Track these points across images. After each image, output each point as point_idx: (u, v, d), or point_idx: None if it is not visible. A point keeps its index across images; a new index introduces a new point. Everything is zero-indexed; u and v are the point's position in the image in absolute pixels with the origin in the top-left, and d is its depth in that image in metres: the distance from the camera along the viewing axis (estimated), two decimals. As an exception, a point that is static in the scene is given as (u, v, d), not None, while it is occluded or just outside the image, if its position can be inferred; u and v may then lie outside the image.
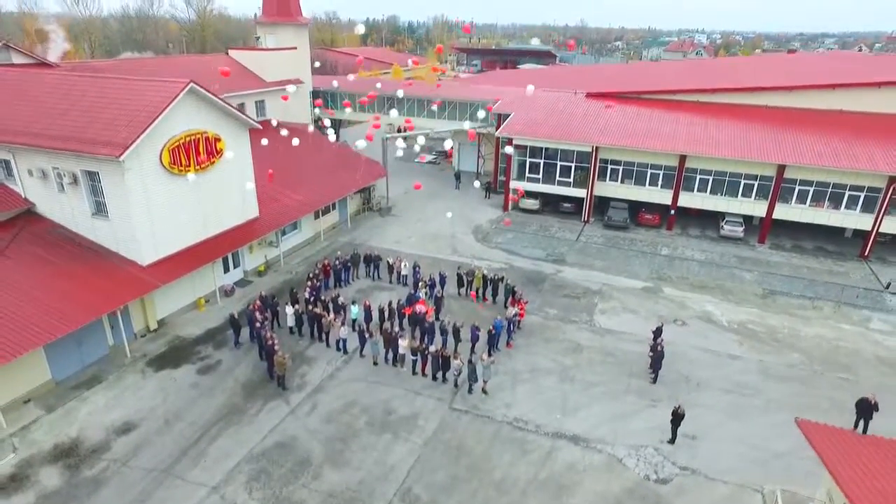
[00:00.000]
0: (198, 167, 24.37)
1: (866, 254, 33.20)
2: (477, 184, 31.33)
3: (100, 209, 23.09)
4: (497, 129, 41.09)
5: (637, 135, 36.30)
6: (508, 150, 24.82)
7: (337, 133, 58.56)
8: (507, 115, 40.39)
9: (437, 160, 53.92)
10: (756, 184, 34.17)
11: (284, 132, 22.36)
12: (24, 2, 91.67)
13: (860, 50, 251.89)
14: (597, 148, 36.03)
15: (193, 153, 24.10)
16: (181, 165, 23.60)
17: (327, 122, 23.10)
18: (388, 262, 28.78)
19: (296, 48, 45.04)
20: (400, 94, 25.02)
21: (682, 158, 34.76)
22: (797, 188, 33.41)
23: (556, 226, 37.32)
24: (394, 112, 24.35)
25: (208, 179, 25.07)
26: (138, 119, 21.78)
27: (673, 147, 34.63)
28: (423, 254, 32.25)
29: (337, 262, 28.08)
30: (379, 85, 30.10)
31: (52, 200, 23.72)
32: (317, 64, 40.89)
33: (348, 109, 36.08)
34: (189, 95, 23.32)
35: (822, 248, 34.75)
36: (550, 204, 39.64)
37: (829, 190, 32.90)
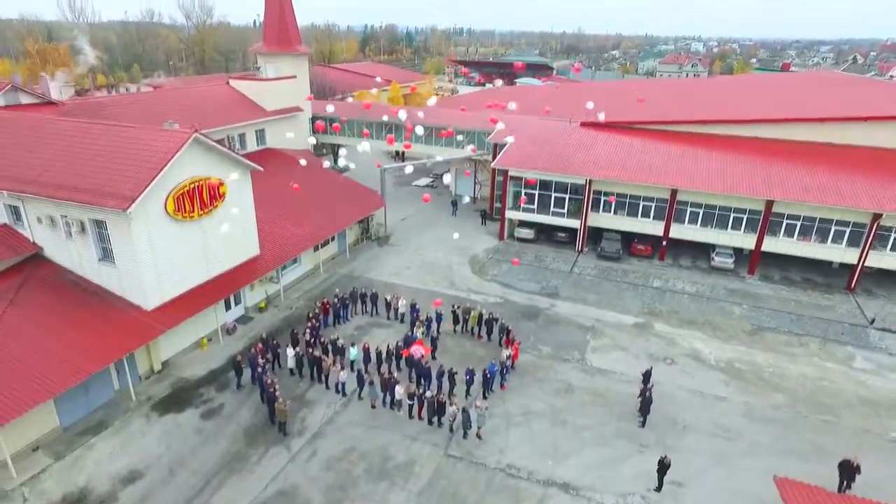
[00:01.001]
0: (202, 212, 25.14)
1: (853, 286, 34.03)
2: (466, 199, 33.10)
3: (106, 255, 23.83)
4: (493, 158, 42.04)
5: (629, 167, 37.15)
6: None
7: (335, 156, 59.48)
8: (504, 145, 41.22)
9: (433, 183, 54.69)
10: (745, 217, 35.01)
11: (303, 161, 24.02)
12: (24, 12, 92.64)
13: (855, 60, 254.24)
14: (590, 180, 36.87)
15: (198, 199, 24.86)
16: (185, 212, 24.36)
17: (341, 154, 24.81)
18: (385, 299, 29.50)
19: (295, 77, 45.93)
20: (403, 115, 26.20)
21: (674, 191, 35.61)
22: (785, 222, 34.26)
23: (550, 256, 38.11)
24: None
25: (211, 222, 25.79)
26: (145, 170, 22.54)
27: (664, 181, 35.47)
28: (421, 287, 33.00)
29: (336, 300, 28.82)
30: (386, 118, 31.12)
31: (59, 245, 24.45)
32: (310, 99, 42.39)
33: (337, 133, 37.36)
34: (193, 144, 24.07)
35: (809, 279, 35.58)
36: (545, 232, 40.44)
37: (816, 224, 33.74)
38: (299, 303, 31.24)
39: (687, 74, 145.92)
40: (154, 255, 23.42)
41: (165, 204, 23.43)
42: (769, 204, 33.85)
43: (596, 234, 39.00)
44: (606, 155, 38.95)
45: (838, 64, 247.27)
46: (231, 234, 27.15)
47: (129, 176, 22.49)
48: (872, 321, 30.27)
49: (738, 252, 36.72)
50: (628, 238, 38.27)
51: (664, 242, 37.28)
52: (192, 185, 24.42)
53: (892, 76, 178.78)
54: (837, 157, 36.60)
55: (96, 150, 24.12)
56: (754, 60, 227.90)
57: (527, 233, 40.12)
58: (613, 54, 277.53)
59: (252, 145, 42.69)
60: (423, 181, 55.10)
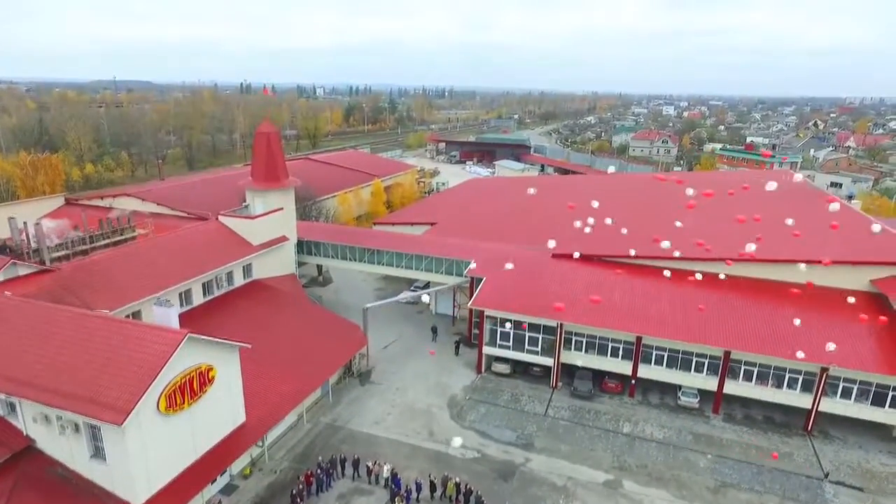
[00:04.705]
0: (191, 401, 26.46)
1: (809, 428, 36.11)
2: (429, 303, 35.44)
3: (98, 452, 24.87)
4: (470, 290, 44.34)
5: (597, 309, 39.44)
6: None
7: (320, 273, 61.49)
8: (480, 280, 43.55)
9: (415, 301, 56.46)
10: (707, 361, 37.31)
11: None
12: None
13: (816, 125, 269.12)
14: (562, 323, 39.10)
15: (188, 390, 26.22)
16: (176, 406, 25.67)
17: None
18: (367, 465, 30.68)
19: (283, 209, 48.25)
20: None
21: (639, 336, 37.91)
22: (743, 368, 36.59)
23: (526, 394, 39.78)
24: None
25: (200, 408, 27.06)
26: (139, 378, 23.88)
27: (629, 328, 37.84)
28: (402, 439, 34.26)
29: (318, 470, 29.91)
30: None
31: (52, 440, 25.43)
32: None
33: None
34: (186, 342, 25.60)
35: (770, 418, 37.62)
36: (521, 365, 42.24)
37: (772, 371, 36.10)
38: (283, 464, 32.22)
39: (658, 151, 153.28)
40: (145, 454, 24.51)
41: (158, 403, 24.74)
42: (727, 351, 36.23)
43: (571, 367, 40.88)
44: (577, 292, 41.34)
45: (799, 127, 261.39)
46: (220, 412, 28.53)
47: (124, 384, 23.81)
48: (827, 475, 32.14)
49: (703, 390, 38.79)
50: (600, 374, 40.22)
51: (633, 381, 39.28)
52: (182, 380, 25.82)
53: (848, 146, 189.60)
54: (800, 299, 39.15)
55: (93, 350, 25.44)
56: (722, 128, 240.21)
57: (503, 367, 41.93)
58: (589, 120, 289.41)
59: (239, 279, 44.41)
60: (405, 295, 56.93)
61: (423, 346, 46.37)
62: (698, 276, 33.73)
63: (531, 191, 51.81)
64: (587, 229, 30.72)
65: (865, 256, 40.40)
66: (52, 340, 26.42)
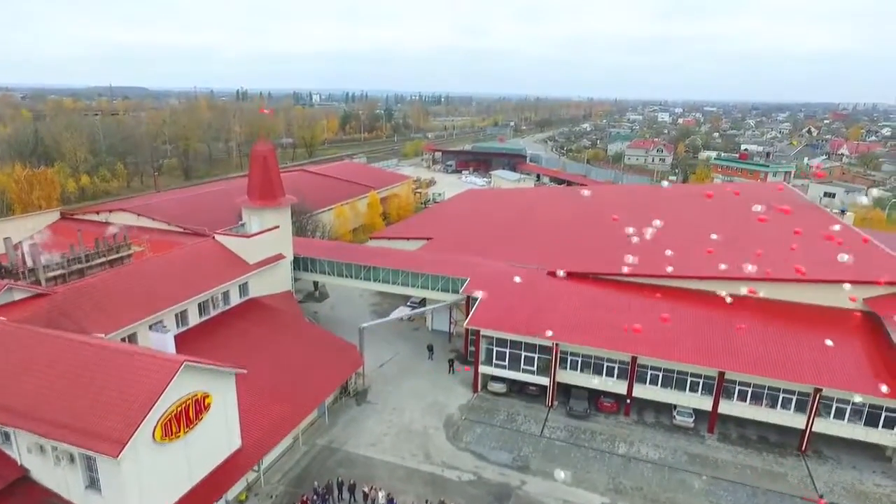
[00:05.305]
0: (187, 429, 26.45)
1: (804, 448, 36.31)
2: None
3: (93, 483, 24.86)
4: (466, 309, 44.45)
5: (593, 329, 39.64)
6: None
7: (317, 288, 61.51)
8: (476, 299, 43.64)
9: (411, 318, 56.49)
10: (701, 381, 37.49)
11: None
12: None
13: (809, 132, 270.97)
14: (557, 343, 39.23)
15: (184, 418, 26.21)
16: (172, 434, 25.66)
17: None
18: (364, 490, 30.69)
19: (278, 227, 48.29)
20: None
21: (634, 356, 38.07)
22: (737, 388, 36.79)
23: (522, 414, 39.87)
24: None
25: (196, 435, 27.05)
26: (135, 409, 23.86)
27: (624, 348, 37.97)
28: (398, 462, 34.29)
29: (315, 496, 29.90)
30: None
31: (47, 470, 25.39)
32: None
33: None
34: (183, 371, 25.63)
35: (764, 437, 37.80)
36: (517, 384, 42.32)
37: (766, 391, 36.31)
38: (280, 488, 32.20)
39: (653, 160, 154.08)
40: (140, 484, 24.49)
41: (154, 433, 24.72)
42: (721, 372, 36.44)
43: (567, 386, 40.97)
44: (572, 311, 41.53)
45: (793, 134, 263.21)
46: (216, 438, 28.52)
47: (120, 415, 23.81)
48: (822, 496, 32.31)
49: (698, 410, 38.93)
50: (596, 394, 40.33)
51: (629, 400, 39.42)
52: (178, 408, 25.82)
53: (841, 154, 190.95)
54: (794, 317, 39.57)
55: (88, 379, 25.40)
56: (717, 135, 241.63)
57: (499, 387, 42.02)
58: (585, 128, 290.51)
59: (235, 299, 44.36)
60: (402, 313, 56.95)
61: (419, 363, 46.44)
62: (728, 300, 33.32)
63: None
64: (636, 238, 31.24)
65: (859, 275, 40.69)
66: (46, 369, 26.38)
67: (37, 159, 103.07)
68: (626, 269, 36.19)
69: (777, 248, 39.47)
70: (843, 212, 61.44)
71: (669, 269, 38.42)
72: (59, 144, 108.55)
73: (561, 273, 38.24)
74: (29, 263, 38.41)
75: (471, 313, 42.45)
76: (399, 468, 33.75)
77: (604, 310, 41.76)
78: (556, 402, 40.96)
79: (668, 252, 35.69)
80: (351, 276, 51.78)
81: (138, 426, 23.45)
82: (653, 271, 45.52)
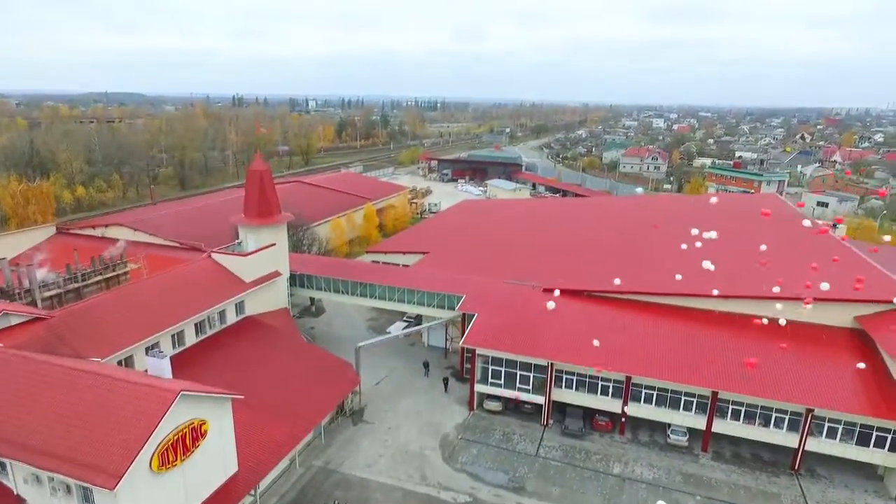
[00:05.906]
0: (183, 457, 26.54)
1: (797, 467, 36.62)
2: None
3: (90, 513, 24.88)
4: (462, 327, 44.68)
5: (587, 349, 39.76)
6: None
7: (313, 303, 61.60)
8: (472, 315, 43.92)
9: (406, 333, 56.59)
10: (695, 400, 37.78)
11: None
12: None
13: (803, 138, 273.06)
14: (552, 363, 39.48)
15: (181, 447, 26.30)
16: (169, 464, 25.75)
17: None
18: (359, 514, 30.84)
19: (275, 244, 48.47)
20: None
21: (628, 375, 38.36)
22: (731, 407, 37.09)
23: (517, 433, 40.06)
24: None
25: (192, 463, 27.13)
26: (131, 441, 23.96)
27: (618, 368, 38.20)
28: (394, 483, 34.42)
29: (311, 521, 30.00)
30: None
31: (43, 500, 25.41)
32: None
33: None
34: (180, 400, 25.73)
35: (758, 456, 38.09)
36: (513, 402, 42.52)
37: (759, 410, 36.61)
38: (276, 512, 32.27)
39: (648, 167, 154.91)
40: (137, 515, 24.58)
41: (150, 463, 24.81)
42: (715, 391, 36.75)
43: (562, 404, 41.17)
44: (567, 329, 41.77)
45: (787, 140, 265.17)
46: (213, 464, 28.59)
47: (117, 446, 23.90)
48: (814, 516, 32.61)
49: (692, 428, 39.19)
50: (591, 412, 40.56)
51: (623, 419, 39.68)
52: (175, 437, 25.91)
53: (834, 161, 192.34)
54: (788, 336, 39.73)
55: (85, 409, 25.46)
56: (711, 142, 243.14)
57: (495, 405, 42.22)
58: (580, 134, 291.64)
59: (231, 317, 44.47)
60: (398, 330, 57.07)
61: (415, 381, 46.59)
62: (764, 321, 32.88)
63: (639, 190, 52.62)
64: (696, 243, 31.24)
65: (849, 294, 41.09)
66: (43, 398, 26.45)
67: (32, 170, 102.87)
68: (617, 282, 36.54)
69: (779, 266, 39.39)
70: (834, 226, 61.87)
71: (715, 292, 37.01)
72: (55, 155, 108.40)
73: (556, 293, 38.56)
74: (25, 284, 38.54)
75: (466, 332, 42.67)
76: (395, 490, 33.88)
77: (598, 328, 41.97)
78: (551, 421, 41.18)
79: (678, 276, 35.73)
80: (347, 293, 51.95)
81: (135, 458, 23.54)
82: (649, 289, 46.10)
